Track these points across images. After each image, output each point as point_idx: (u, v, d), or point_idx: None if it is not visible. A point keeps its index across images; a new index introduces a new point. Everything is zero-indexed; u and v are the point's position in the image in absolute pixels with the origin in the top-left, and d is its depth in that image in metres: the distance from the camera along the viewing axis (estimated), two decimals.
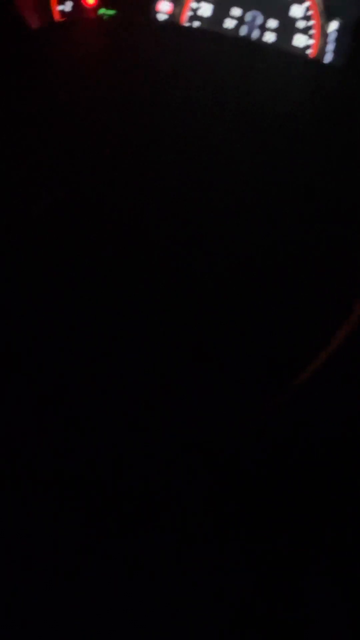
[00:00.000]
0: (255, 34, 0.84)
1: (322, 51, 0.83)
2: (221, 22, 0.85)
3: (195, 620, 0.56)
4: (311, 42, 0.84)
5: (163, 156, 0.56)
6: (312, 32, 0.84)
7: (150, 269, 0.55)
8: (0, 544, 0.56)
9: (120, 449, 0.55)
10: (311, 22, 0.83)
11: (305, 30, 0.84)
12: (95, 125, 0.57)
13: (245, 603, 0.57)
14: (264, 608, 0.56)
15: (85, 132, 0.57)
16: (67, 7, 0.87)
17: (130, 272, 0.55)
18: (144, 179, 0.55)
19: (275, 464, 0.57)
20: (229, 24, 0.85)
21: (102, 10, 0.86)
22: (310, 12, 0.83)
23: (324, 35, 0.83)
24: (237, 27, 0.84)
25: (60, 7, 0.87)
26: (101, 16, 0.85)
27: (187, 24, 0.85)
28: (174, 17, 0.85)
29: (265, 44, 0.82)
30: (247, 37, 0.84)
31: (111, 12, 0.86)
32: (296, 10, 0.83)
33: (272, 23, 0.84)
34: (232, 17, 0.85)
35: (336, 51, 0.83)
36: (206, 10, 0.85)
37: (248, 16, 0.84)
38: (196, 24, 0.85)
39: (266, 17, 0.84)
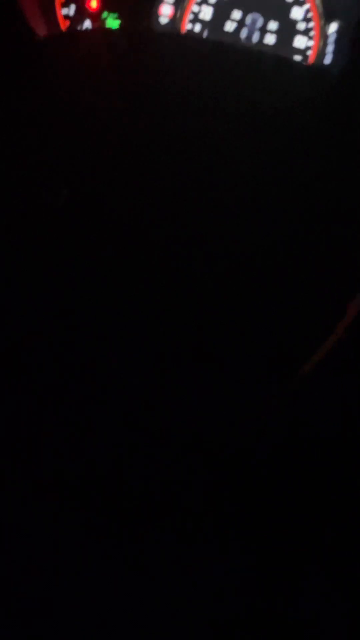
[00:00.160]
0: (255, 36, 0.85)
1: (322, 53, 0.84)
2: (222, 25, 0.85)
3: (195, 620, 0.56)
4: (311, 43, 0.84)
5: (164, 159, 0.56)
6: (312, 34, 0.84)
7: (150, 268, 0.55)
8: (0, 544, 0.56)
9: (120, 448, 0.55)
10: (311, 24, 0.84)
11: (305, 32, 0.84)
12: (97, 128, 0.57)
13: (245, 603, 0.56)
14: (264, 608, 0.56)
15: (87, 135, 0.57)
16: (71, 11, 0.89)
17: (130, 272, 0.55)
18: (144, 181, 0.56)
19: (275, 463, 0.57)
20: (230, 26, 0.85)
21: (104, 15, 0.87)
22: (310, 14, 0.84)
23: (324, 37, 0.84)
24: (238, 29, 0.85)
25: (64, 11, 0.89)
26: (107, 29, 0.86)
27: (188, 27, 0.86)
28: (175, 21, 0.86)
29: (265, 52, 0.82)
30: (246, 44, 0.84)
31: (114, 15, 0.87)
32: (296, 13, 0.84)
33: (273, 25, 0.84)
34: (233, 20, 0.85)
35: (336, 53, 0.83)
36: (207, 13, 0.86)
37: (248, 19, 0.85)
38: (197, 27, 0.86)
39: (266, 20, 0.84)
